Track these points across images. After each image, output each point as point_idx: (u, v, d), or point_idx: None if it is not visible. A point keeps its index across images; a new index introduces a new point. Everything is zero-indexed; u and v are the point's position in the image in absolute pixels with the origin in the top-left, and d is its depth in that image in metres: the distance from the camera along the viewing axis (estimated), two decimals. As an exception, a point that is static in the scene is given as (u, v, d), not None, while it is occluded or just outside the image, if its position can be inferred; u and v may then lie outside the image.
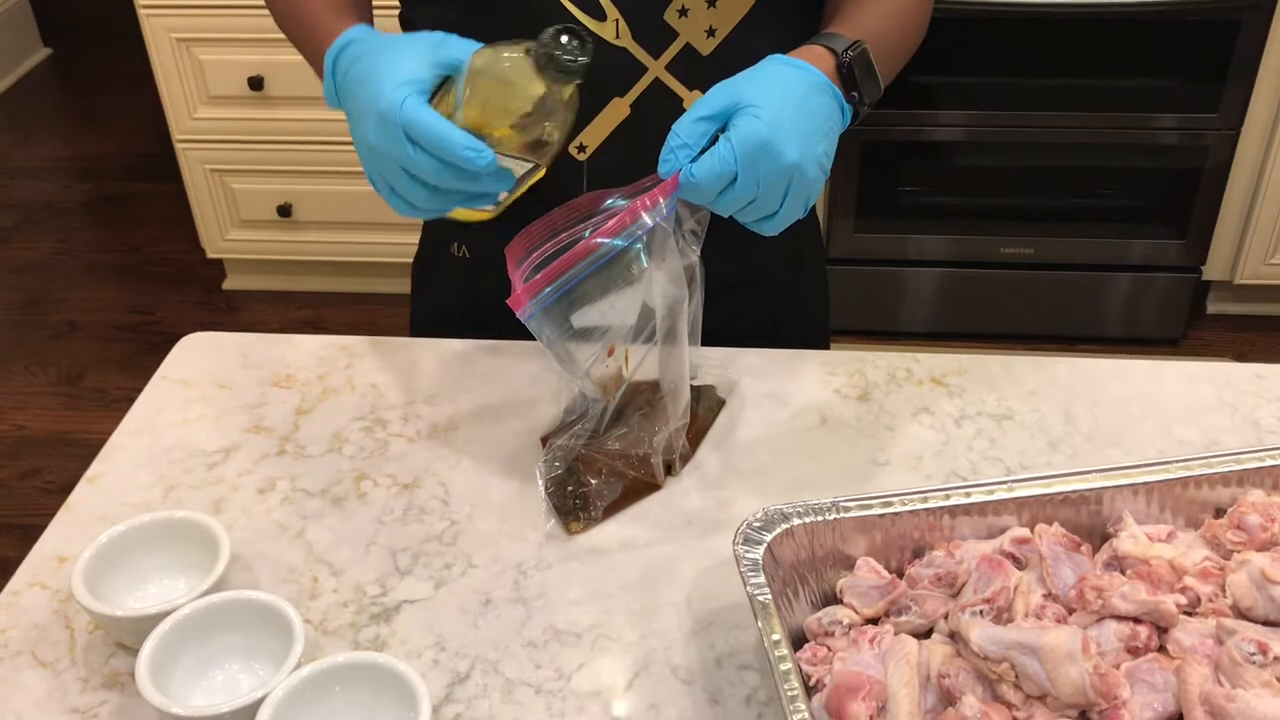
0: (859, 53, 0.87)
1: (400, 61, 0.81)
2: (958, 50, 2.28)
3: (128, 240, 3.08)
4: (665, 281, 0.83)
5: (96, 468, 0.97)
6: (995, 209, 2.46)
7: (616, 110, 0.98)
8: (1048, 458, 0.94)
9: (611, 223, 0.81)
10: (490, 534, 0.89)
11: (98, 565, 0.80)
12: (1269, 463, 0.82)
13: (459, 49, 0.81)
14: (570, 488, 0.90)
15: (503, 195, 0.86)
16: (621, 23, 0.94)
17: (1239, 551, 0.75)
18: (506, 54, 0.78)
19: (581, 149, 0.99)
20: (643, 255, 0.82)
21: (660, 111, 0.95)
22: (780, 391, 1.01)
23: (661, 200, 0.81)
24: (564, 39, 0.76)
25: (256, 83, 2.43)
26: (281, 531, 0.90)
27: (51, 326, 2.79)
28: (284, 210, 2.59)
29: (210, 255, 2.73)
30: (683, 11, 0.94)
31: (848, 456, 0.95)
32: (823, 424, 0.99)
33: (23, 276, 2.97)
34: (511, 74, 0.78)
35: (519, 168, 0.83)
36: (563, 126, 0.82)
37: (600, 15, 0.93)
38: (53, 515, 0.92)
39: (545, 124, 0.80)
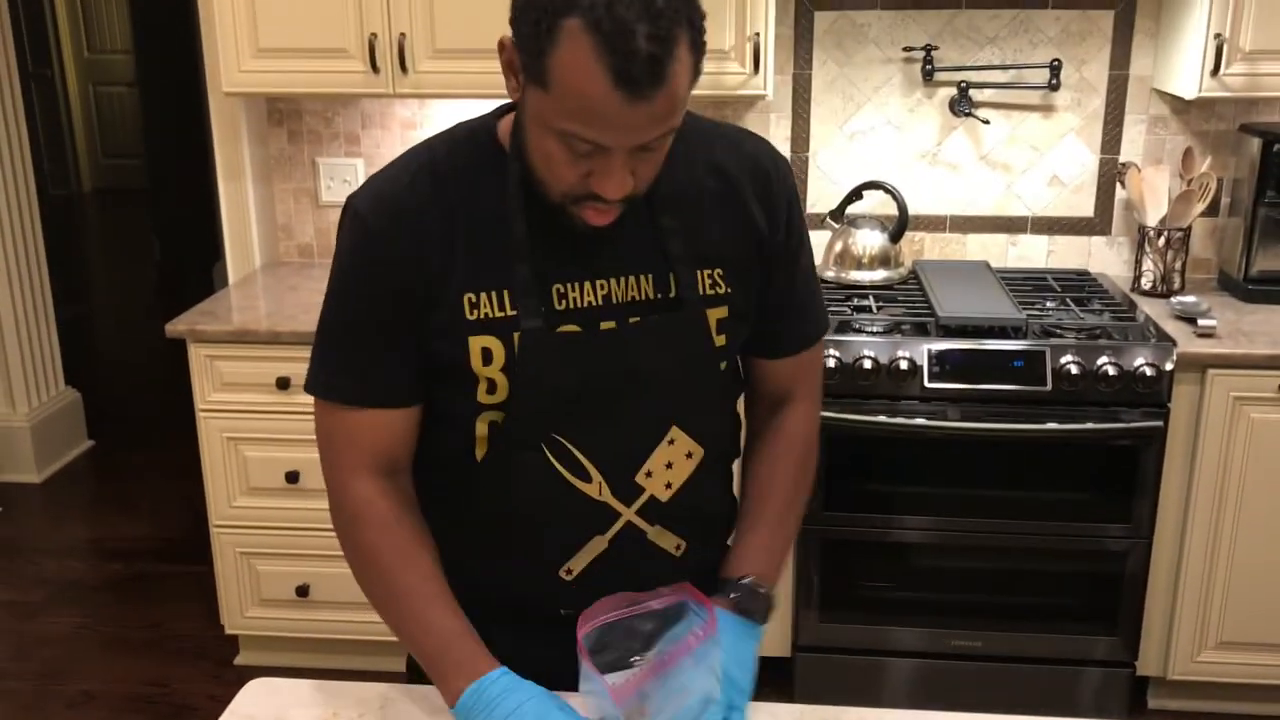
0: (745, 591, 1.28)
1: (544, 703, 1.14)
2: (905, 465, 2.65)
3: (148, 617, 3.31)
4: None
5: (176, 783, 1.19)
6: (945, 604, 2.74)
7: (596, 545, 1.30)
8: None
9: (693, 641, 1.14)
10: (496, 842, 1.10)
11: None
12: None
13: None
14: None
15: None
16: (603, 484, 1.27)
17: None
18: None
19: (569, 572, 1.30)
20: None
21: (629, 544, 1.29)
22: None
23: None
24: None
25: (293, 476, 2.78)
26: (327, 836, 1.11)
27: (68, 697, 2.96)
28: (302, 590, 2.86)
29: (229, 631, 2.96)
30: (648, 474, 1.28)
31: (786, 786, 1.18)
32: (770, 761, 1.22)
33: (45, 649, 3.17)
34: None
35: None
36: None
37: (587, 478, 1.26)
38: None
39: None
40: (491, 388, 1.22)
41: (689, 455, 1.29)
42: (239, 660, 3.01)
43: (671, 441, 1.27)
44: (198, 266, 5.58)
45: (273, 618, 2.92)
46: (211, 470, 2.83)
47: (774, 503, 1.36)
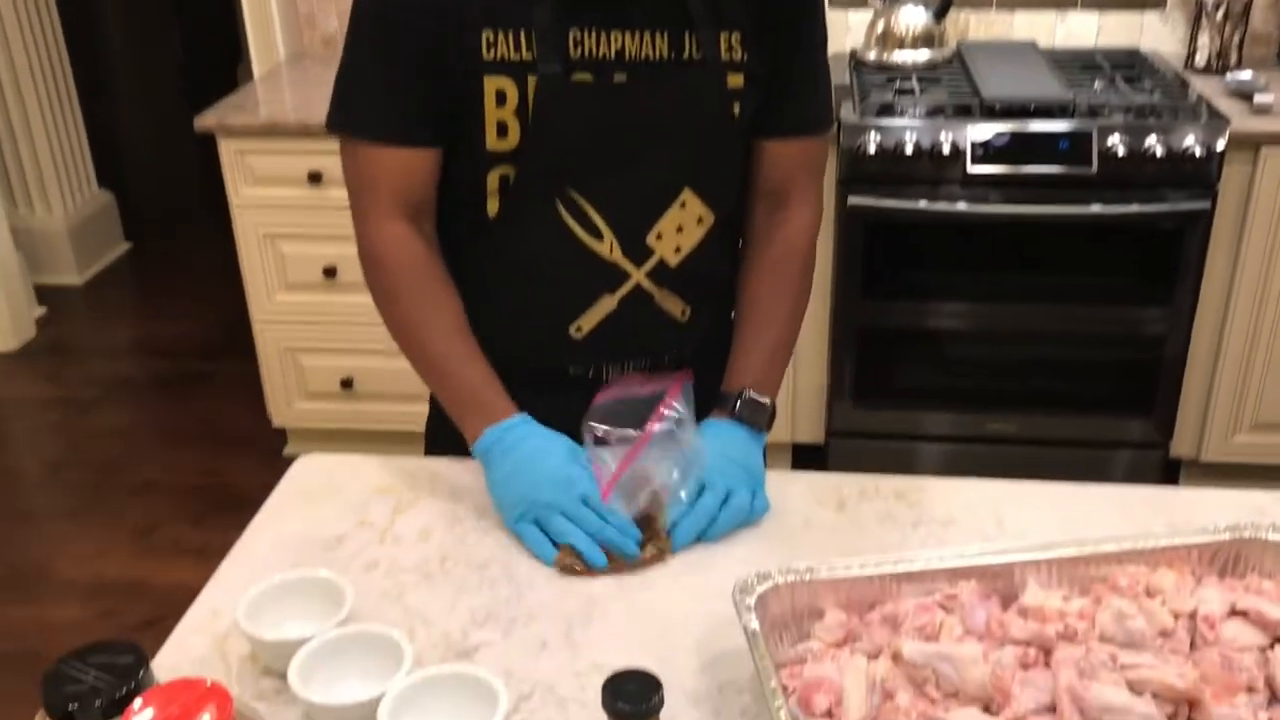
0: (743, 403, 1.30)
1: (563, 450, 1.21)
2: (944, 251, 2.62)
3: (198, 412, 3.40)
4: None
5: (236, 552, 1.24)
6: (980, 390, 2.76)
7: (605, 305, 1.32)
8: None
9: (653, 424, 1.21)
10: (546, 601, 1.15)
11: (253, 609, 1.07)
12: (1141, 546, 1.08)
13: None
14: None
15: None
16: (615, 243, 1.28)
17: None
18: None
19: (578, 330, 1.33)
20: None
21: (637, 305, 1.31)
22: (772, 503, 1.28)
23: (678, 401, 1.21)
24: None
25: (331, 271, 2.80)
26: (384, 596, 1.16)
27: (129, 486, 3.07)
28: (346, 383, 2.92)
29: (276, 424, 3.05)
30: (659, 235, 1.29)
31: (825, 549, 1.21)
32: (806, 526, 1.25)
33: (103, 442, 3.28)
34: None
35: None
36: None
37: (599, 236, 1.27)
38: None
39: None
40: (502, 131, 1.22)
41: (699, 220, 1.30)
42: (288, 451, 3.10)
43: (683, 205, 1.28)
44: (220, 67, 5.47)
45: (319, 410, 2.99)
46: (249, 266, 2.85)
47: (775, 316, 1.36)
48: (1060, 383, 2.74)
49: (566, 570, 1.18)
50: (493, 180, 1.26)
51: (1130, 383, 2.70)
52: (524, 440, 1.22)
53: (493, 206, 1.27)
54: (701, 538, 1.22)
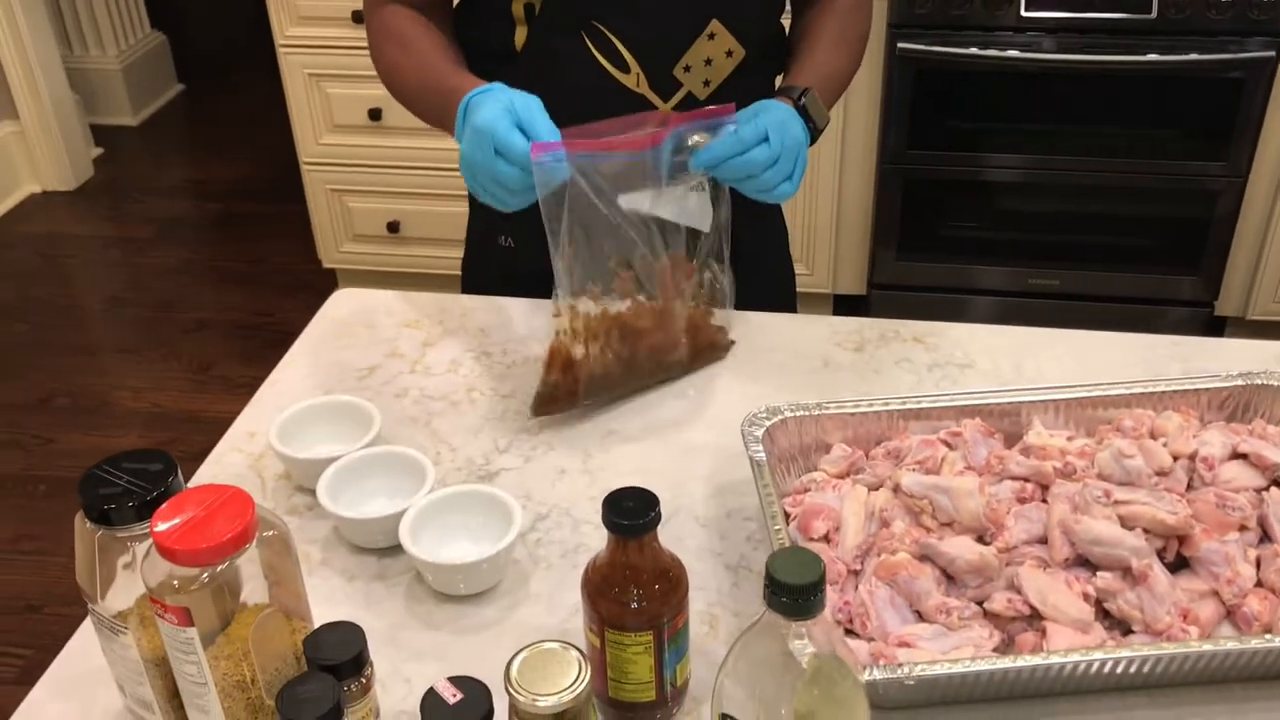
0: (810, 97, 1.22)
1: (495, 105, 1.09)
2: (995, 101, 2.57)
3: (251, 252, 3.46)
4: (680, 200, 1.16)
5: (275, 375, 1.29)
6: (1026, 244, 2.73)
7: None
8: (995, 393, 1.22)
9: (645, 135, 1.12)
10: (566, 431, 1.19)
11: (285, 430, 1.12)
12: (1150, 390, 1.09)
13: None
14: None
15: None
16: (641, 75, 1.26)
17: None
18: None
19: None
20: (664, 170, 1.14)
21: None
22: (792, 344, 1.30)
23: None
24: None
25: (375, 114, 2.80)
26: (412, 422, 1.21)
27: (183, 324, 3.16)
28: (393, 226, 2.95)
29: (326, 265, 3.10)
30: (686, 68, 1.26)
31: (841, 388, 1.24)
32: (824, 366, 1.27)
33: (159, 280, 3.36)
34: None
35: None
36: None
37: (625, 68, 1.26)
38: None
39: None
40: None
41: (729, 53, 1.27)
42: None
43: (712, 36, 1.26)
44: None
45: (366, 253, 3.04)
46: (296, 107, 2.86)
47: (827, 49, 1.32)
48: (1107, 238, 2.70)
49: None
50: (517, 8, 1.25)
51: (1180, 240, 2.66)
52: (470, 109, 1.11)
53: (519, 37, 1.27)
54: (722, 174, 1.16)
